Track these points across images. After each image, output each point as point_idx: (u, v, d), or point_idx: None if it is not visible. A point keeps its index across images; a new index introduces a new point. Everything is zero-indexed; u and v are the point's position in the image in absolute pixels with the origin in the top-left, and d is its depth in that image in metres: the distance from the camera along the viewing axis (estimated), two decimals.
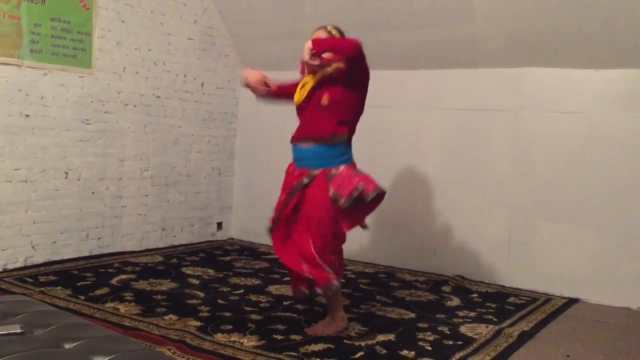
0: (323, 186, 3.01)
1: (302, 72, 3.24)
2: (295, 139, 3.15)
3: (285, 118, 5.39)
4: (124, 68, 4.67)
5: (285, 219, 3.11)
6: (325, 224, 3.00)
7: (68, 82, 4.30)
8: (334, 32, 3.15)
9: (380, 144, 4.96)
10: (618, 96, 4.06)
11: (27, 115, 4.07)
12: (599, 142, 4.11)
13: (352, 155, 3.16)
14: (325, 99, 3.02)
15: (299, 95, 3.10)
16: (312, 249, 2.97)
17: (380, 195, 3.03)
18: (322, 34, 3.13)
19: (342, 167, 3.05)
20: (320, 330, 3.11)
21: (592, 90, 4.13)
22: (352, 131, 3.18)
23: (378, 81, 4.93)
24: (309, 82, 3.11)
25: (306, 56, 2.96)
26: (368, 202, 3.01)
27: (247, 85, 3.24)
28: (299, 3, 4.85)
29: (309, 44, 2.96)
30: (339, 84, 3.04)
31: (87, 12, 4.38)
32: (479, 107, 4.52)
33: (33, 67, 4.08)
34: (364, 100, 3.17)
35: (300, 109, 3.16)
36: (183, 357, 2.71)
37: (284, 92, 3.26)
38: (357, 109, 3.16)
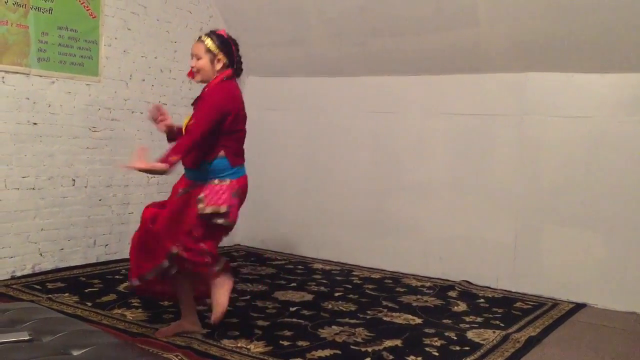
0: (197, 192, 2.97)
1: None
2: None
3: (290, 125, 5.43)
4: (131, 75, 4.70)
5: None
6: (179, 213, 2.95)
7: (75, 90, 4.33)
8: (209, 43, 3.01)
9: (384, 150, 4.96)
10: (623, 100, 4.05)
11: (35, 123, 4.10)
12: (604, 147, 4.10)
13: (234, 172, 3.05)
14: None
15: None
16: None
17: (228, 228, 3.03)
18: (197, 47, 3.03)
19: (223, 180, 2.99)
20: (169, 331, 3.05)
21: (597, 94, 4.13)
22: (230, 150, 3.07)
23: (382, 87, 4.98)
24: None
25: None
26: (216, 227, 2.97)
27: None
28: (304, 10, 4.87)
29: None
30: None
31: (94, 21, 4.41)
32: (484, 112, 4.52)
33: (41, 76, 4.11)
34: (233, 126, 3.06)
35: None
36: None
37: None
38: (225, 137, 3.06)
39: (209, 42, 3.01)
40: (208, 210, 2.91)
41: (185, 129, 3.06)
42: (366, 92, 5.05)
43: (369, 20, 4.63)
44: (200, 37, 3.06)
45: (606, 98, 4.10)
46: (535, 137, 4.33)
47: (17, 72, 3.98)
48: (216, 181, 2.98)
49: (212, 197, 2.93)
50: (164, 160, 2.87)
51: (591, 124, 4.14)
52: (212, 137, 2.97)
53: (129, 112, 4.70)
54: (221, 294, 3.00)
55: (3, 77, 3.92)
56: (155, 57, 4.88)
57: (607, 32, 3.88)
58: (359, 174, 5.07)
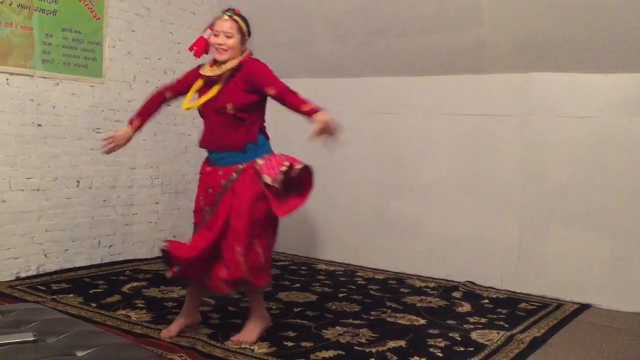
0: (253, 177, 2.95)
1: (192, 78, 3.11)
2: (209, 147, 3.09)
3: (293, 126, 5.42)
4: (135, 77, 4.71)
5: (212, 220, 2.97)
6: (258, 215, 2.92)
7: (79, 91, 4.34)
8: (242, 24, 2.99)
9: (388, 150, 4.96)
10: (628, 100, 4.04)
11: (39, 125, 4.11)
12: (609, 147, 4.09)
13: (269, 146, 3.13)
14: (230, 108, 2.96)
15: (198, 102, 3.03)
16: (244, 247, 2.88)
17: (307, 171, 3.00)
18: (229, 25, 2.95)
19: (266, 155, 3.02)
20: (247, 337, 3.03)
21: (601, 94, 4.12)
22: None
23: (386, 88, 4.98)
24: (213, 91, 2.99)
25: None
26: (298, 184, 2.97)
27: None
28: (306, 10, 4.87)
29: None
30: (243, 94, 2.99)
31: (98, 22, 4.42)
32: (488, 113, 4.51)
33: (45, 77, 4.12)
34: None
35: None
36: None
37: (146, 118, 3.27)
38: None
39: (242, 23, 2.99)
40: (274, 179, 2.89)
41: (210, 106, 2.98)
42: (370, 92, 5.05)
43: (372, 21, 4.62)
44: (230, 15, 2.98)
45: (610, 98, 4.09)
46: (540, 137, 4.32)
47: (21, 74, 3.99)
48: (260, 161, 2.97)
49: (270, 168, 2.93)
50: (313, 111, 2.87)
51: (595, 124, 4.13)
52: (255, 112, 3.00)
53: (132, 113, 4.70)
54: (258, 329, 3.07)
55: (7, 79, 3.93)
56: (159, 59, 4.89)
57: (611, 32, 3.87)
58: (363, 175, 5.07)
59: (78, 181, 4.37)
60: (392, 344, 3.11)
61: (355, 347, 3.04)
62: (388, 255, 4.93)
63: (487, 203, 4.52)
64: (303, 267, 4.90)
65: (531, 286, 4.33)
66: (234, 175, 2.96)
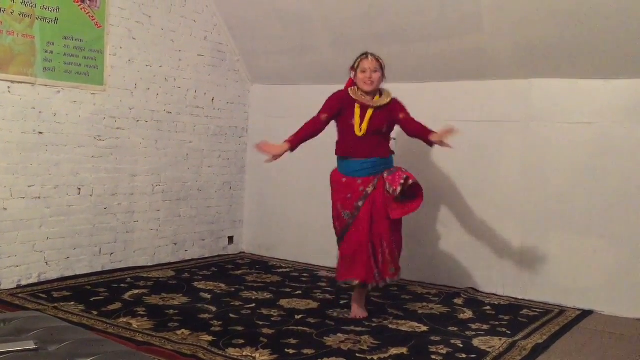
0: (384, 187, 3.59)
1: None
2: (358, 156, 3.63)
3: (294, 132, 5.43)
4: (136, 84, 4.72)
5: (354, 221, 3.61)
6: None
7: (81, 99, 4.35)
8: (382, 63, 3.61)
9: None
10: (628, 106, 4.04)
11: (41, 133, 4.12)
12: (610, 152, 4.09)
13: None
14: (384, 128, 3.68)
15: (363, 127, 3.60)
16: (397, 242, 3.74)
17: (419, 187, 3.58)
18: (375, 64, 3.58)
19: (392, 169, 3.65)
20: (362, 313, 3.71)
21: (602, 100, 4.12)
22: None
23: None
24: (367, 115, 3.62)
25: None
26: (411, 195, 3.59)
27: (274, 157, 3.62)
28: (308, 18, 4.89)
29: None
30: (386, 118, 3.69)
31: (99, 30, 4.44)
32: (489, 119, 4.51)
33: (46, 85, 4.14)
34: None
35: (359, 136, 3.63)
36: None
37: (303, 138, 3.68)
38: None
39: (382, 62, 3.61)
40: (395, 189, 3.51)
41: (367, 129, 3.60)
42: None
43: (372, 28, 4.64)
44: (372, 55, 3.59)
45: (611, 104, 4.10)
46: (541, 143, 4.33)
47: (23, 82, 4.00)
48: (386, 173, 3.59)
49: (393, 181, 3.53)
50: (430, 132, 3.66)
51: (596, 130, 4.13)
52: (389, 134, 3.76)
53: (134, 120, 4.72)
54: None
55: (9, 87, 3.95)
56: (160, 66, 4.90)
57: (611, 38, 3.88)
58: None
59: (79, 189, 4.37)
60: (393, 351, 3.11)
61: (357, 355, 3.03)
62: None
63: (488, 209, 4.52)
64: (304, 274, 4.90)
65: (533, 292, 4.32)
66: (372, 184, 3.59)
